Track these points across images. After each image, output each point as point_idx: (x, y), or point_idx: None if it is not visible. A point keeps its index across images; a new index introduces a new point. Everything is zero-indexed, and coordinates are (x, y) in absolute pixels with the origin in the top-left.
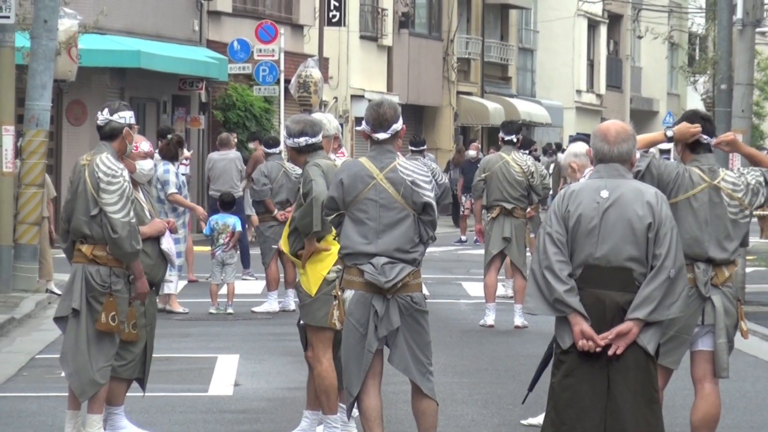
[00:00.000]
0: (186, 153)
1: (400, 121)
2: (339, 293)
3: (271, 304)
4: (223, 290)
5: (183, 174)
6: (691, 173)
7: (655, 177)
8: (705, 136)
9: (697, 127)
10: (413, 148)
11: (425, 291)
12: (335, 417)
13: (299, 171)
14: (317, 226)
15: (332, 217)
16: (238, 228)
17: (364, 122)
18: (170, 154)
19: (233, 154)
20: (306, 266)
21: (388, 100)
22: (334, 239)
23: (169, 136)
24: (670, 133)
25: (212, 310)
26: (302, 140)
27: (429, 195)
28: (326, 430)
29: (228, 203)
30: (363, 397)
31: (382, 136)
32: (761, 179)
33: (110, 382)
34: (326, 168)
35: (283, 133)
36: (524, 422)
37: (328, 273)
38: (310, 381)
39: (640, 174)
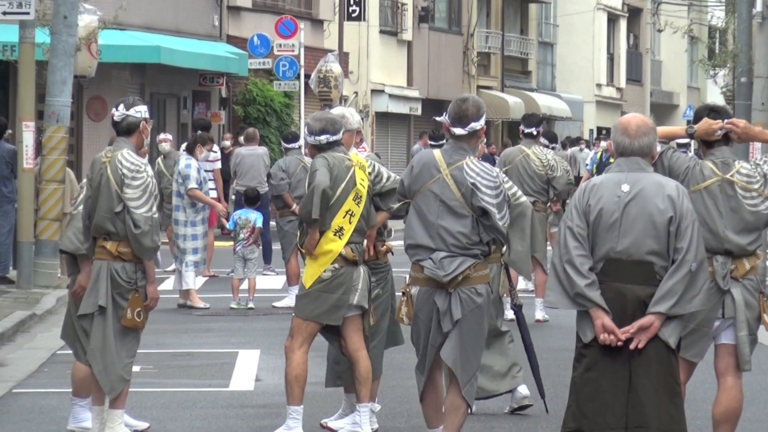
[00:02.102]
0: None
1: (482, 121)
2: (407, 290)
3: (292, 299)
4: (244, 285)
5: (208, 170)
6: (703, 167)
7: (666, 168)
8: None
9: (719, 123)
10: (432, 143)
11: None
12: (299, 409)
13: None
14: (315, 214)
15: (399, 204)
16: (259, 224)
17: (446, 114)
18: (192, 150)
19: (261, 149)
20: (307, 260)
21: (475, 98)
22: (334, 235)
23: (199, 132)
24: (691, 130)
25: (233, 305)
26: (323, 138)
27: (489, 201)
28: (290, 421)
29: (252, 198)
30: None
31: (459, 131)
32: None
33: (78, 373)
34: (334, 161)
35: (303, 129)
36: (324, 421)
37: (324, 271)
38: (354, 374)
39: (653, 162)
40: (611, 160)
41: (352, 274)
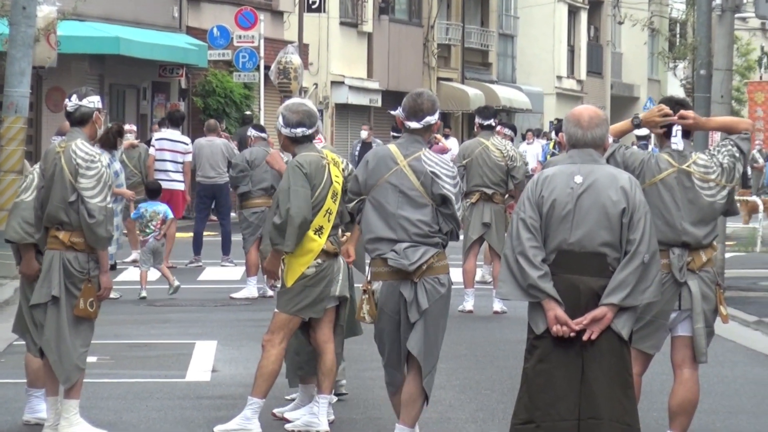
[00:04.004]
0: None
1: (436, 115)
2: (368, 286)
3: (250, 290)
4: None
5: (179, 162)
6: (659, 159)
7: (620, 164)
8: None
9: (662, 109)
10: (394, 134)
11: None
12: (261, 402)
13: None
14: (290, 248)
15: (353, 203)
16: (170, 216)
17: (400, 108)
18: (109, 144)
19: (220, 140)
20: (288, 258)
21: (429, 93)
22: (315, 234)
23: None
24: (636, 121)
25: (144, 294)
26: (299, 131)
27: (449, 189)
28: (248, 411)
29: (154, 191)
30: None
31: (414, 125)
32: (734, 152)
33: (31, 364)
34: (310, 166)
35: (279, 120)
36: (276, 411)
37: (308, 268)
38: (319, 365)
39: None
40: (551, 150)
41: (333, 266)
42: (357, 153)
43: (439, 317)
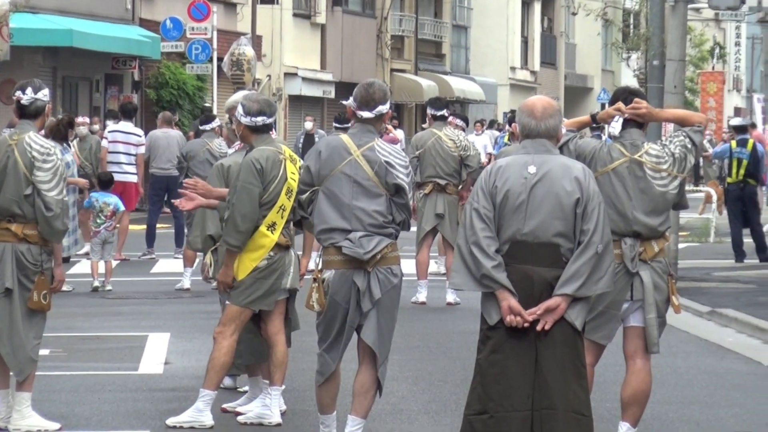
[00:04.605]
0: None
1: (388, 104)
2: (319, 275)
3: (187, 281)
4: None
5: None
6: (611, 149)
7: (572, 153)
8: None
9: (618, 107)
10: (337, 125)
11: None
12: (213, 394)
13: (225, 149)
14: (235, 245)
15: (306, 194)
16: (121, 207)
17: (351, 98)
18: (60, 135)
19: (175, 132)
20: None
21: (380, 83)
22: (267, 230)
23: (60, 116)
24: (594, 113)
25: (96, 284)
26: (260, 119)
27: (402, 178)
28: (200, 403)
29: (106, 182)
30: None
31: (366, 114)
32: (686, 143)
33: None
34: (266, 164)
35: (239, 110)
36: (226, 405)
37: (261, 261)
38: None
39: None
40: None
41: (284, 258)
42: (301, 144)
43: (391, 308)
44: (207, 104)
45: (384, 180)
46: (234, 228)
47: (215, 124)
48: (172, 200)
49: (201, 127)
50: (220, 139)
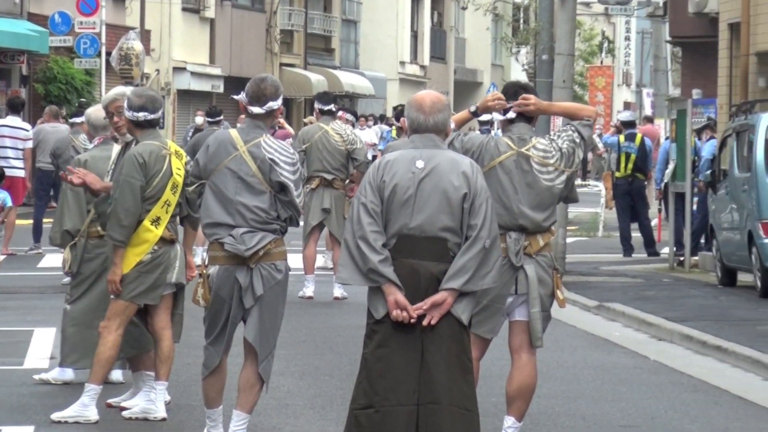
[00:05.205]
0: None
1: (279, 101)
2: (204, 270)
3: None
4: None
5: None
6: (499, 143)
7: (459, 150)
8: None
9: (496, 98)
10: (209, 119)
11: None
12: (98, 389)
13: (88, 144)
14: (118, 239)
15: (194, 186)
16: (9, 203)
17: (243, 93)
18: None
19: (64, 126)
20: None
21: (273, 78)
22: (152, 224)
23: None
24: (473, 108)
25: None
26: (141, 115)
27: (287, 176)
28: (85, 398)
29: None
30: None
31: (256, 110)
32: (574, 137)
33: None
34: (149, 159)
35: (125, 104)
36: (111, 401)
37: (145, 255)
38: (157, 352)
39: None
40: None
41: (169, 252)
42: (190, 138)
43: (275, 303)
44: (83, 99)
45: (268, 177)
46: (117, 222)
47: (81, 118)
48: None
49: (71, 121)
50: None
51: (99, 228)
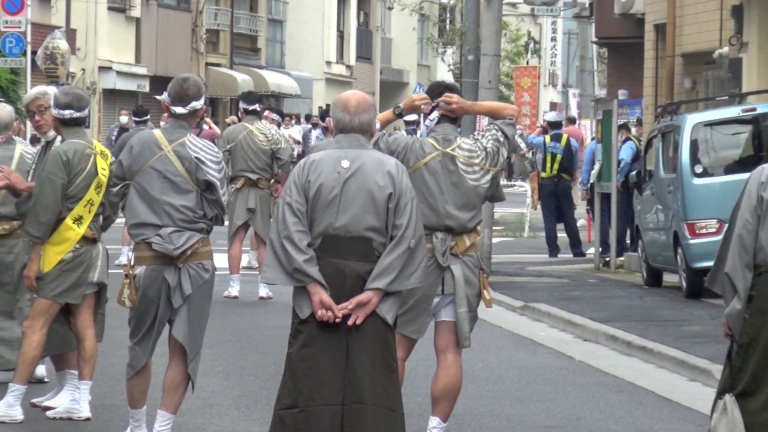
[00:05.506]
0: None
1: (202, 100)
2: (130, 271)
3: None
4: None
5: None
6: (424, 143)
7: (384, 151)
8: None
9: (420, 95)
10: (136, 119)
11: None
12: (23, 388)
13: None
14: (37, 235)
15: (118, 188)
16: None
17: (165, 93)
18: None
19: None
20: (45, 247)
21: (195, 78)
22: (74, 223)
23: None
24: (398, 110)
25: None
26: (67, 113)
27: (213, 174)
28: (10, 397)
29: None
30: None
31: (179, 110)
32: (498, 136)
33: None
34: (73, 157)
35: (52, 101)
36: (35, 401)
37: (67, 254)
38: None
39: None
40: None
41: (91, 251)
42: (114, 138)
43: (202, 303)
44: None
45: (194, 176)
46: (35, 218)
47: None
48: None
49: None
50: None
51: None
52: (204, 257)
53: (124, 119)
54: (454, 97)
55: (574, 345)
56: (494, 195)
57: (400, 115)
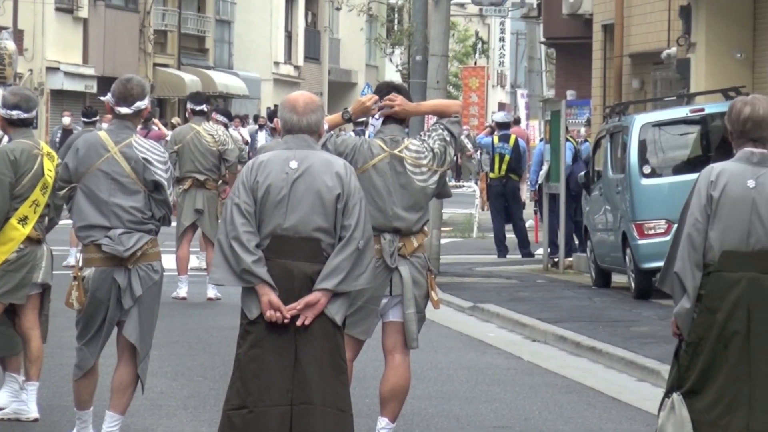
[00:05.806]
0: None
1: (146, 100)
2: (78, 273)
3: None
4: None
5: None
6: (372, 145)
7: (332, 152)
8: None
9: (370, 97)
10: (85, 120)
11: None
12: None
13: None
14: None
15: (65, 190)
16: None
17: (109, 94)
18: None
19: None
20: None
21: (138, 78)
22: (19, 223)
23: None
24: (347, 115)
25: None
26: (15, 113)
27: (161, 174)
28: (6, 394)
29: None
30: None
31: (124, 110)
32: (445, 135)
33: None
34: (21, 156)
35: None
36: None
37: (11, 254)
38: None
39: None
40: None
41: (36, 252)
42: (58, 139)
43: (152, 304)
44: None
45: (142, 176)
46: None
47: None
48: None
49: None
50: None
51: None
52: (153, 258)
53: (66, 120)
54: (397, 99)
55: (523, 345)
56: (441, 192)
57: (349, 120)
